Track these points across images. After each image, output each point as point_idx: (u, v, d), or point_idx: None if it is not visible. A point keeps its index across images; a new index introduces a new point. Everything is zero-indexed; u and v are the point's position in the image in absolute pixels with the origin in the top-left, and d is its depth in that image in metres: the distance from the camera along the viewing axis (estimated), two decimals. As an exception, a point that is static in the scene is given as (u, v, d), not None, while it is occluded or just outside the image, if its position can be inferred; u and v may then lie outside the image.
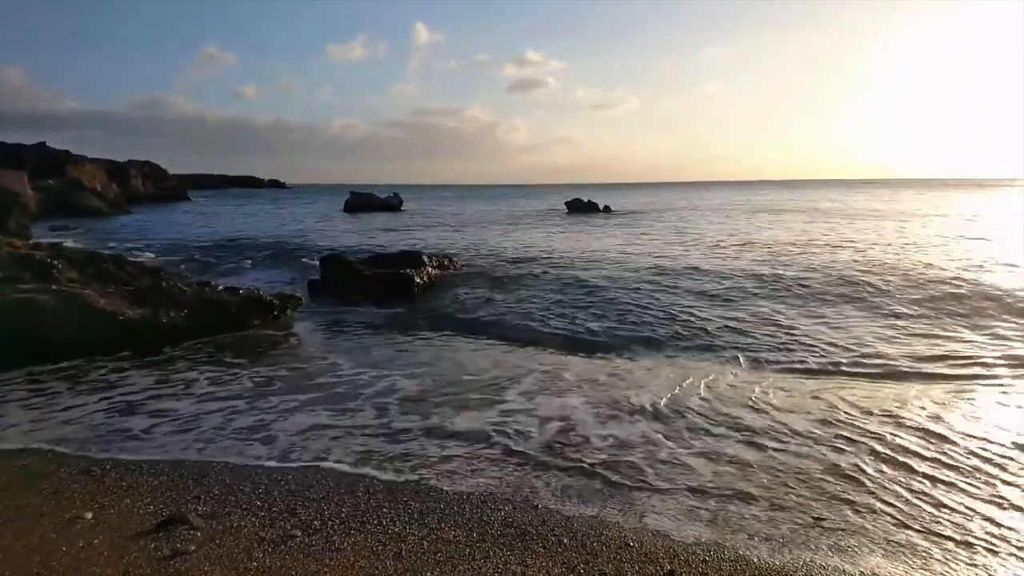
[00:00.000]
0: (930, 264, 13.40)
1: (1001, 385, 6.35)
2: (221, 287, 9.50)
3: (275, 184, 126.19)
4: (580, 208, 37.58)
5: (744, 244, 18.90)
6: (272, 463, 4.68)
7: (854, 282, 11.55)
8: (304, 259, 16.50)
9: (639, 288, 11.43)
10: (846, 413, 5.53)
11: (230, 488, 4.23)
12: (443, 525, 3.77)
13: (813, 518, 3.84)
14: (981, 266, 13.13)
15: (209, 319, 8.56)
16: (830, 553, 3.48)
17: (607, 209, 37.21)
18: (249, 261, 16.56)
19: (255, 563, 3.38)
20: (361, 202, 43.21)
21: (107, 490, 4.18)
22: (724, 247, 18.30)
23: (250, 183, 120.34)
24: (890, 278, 11.83)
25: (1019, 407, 5.71)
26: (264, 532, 3.70)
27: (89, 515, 3.83)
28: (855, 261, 14.23)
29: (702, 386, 6.32)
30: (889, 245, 17.77)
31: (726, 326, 8.70)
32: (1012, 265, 13.29)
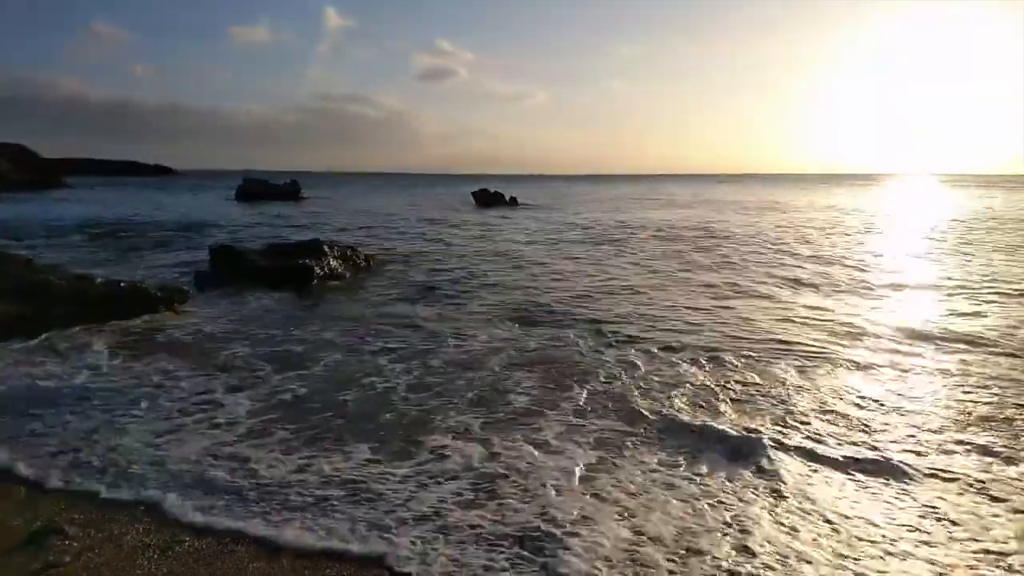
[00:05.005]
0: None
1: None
2: (100, 279, 8.85)
3: (161, 170, 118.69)
4: (487, 199, 37.64)
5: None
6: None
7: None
8: (192, 249, 15.60)
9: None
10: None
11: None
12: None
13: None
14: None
15: (87, 314, 7.94)
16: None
17: (513, 201, 37.53)
18: (131, 251, 15.44)
19: (139, 571, 3.21)
20: (255, 189, 40.95)
21: (-34, 503, 3.82)
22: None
23: (133, 169, 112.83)
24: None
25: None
26: (149, 538, 3.51)
27: (-57, 532, 3.49)
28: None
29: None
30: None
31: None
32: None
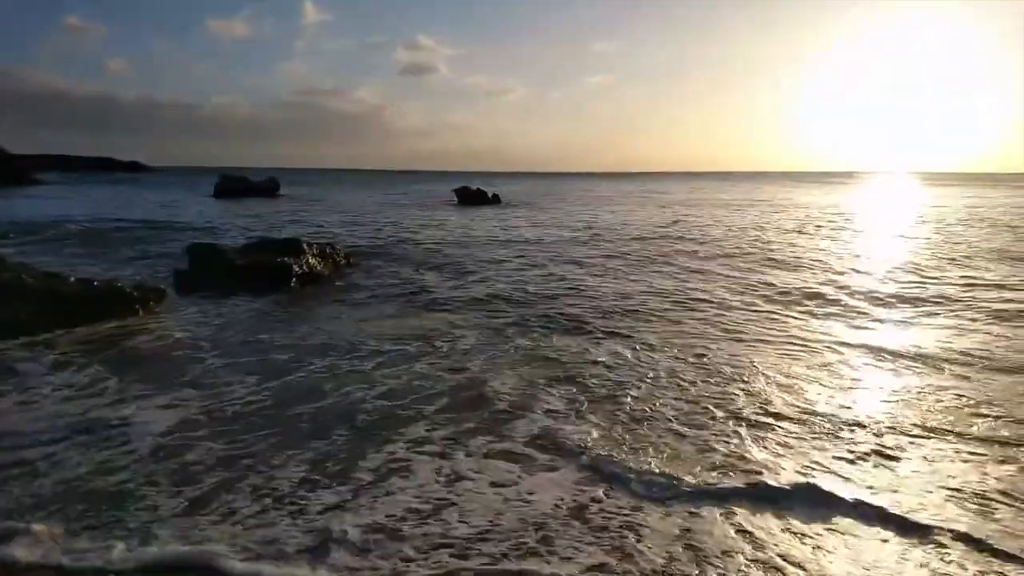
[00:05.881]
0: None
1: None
2: (73, 278, 8.66)
3: (135, 166, 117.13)
4: (469, 197, 37.54)
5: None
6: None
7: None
8: (169, 247, 15.37)
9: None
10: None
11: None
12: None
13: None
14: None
15: (59, 314, 7.77)
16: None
17: (496, 198, 37.52)
18: (106, 249, 15.18)
19: (113, 575, 3.15)
20: (232, 186, 40.42)
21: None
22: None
23: (107, 166, 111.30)
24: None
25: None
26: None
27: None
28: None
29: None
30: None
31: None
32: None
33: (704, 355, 6.91)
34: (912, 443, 4.69)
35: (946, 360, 6.64)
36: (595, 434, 4.86)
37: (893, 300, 9.85)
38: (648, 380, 6.08)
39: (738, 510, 3.80)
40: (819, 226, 22.69)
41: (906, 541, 3.49)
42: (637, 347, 7.22)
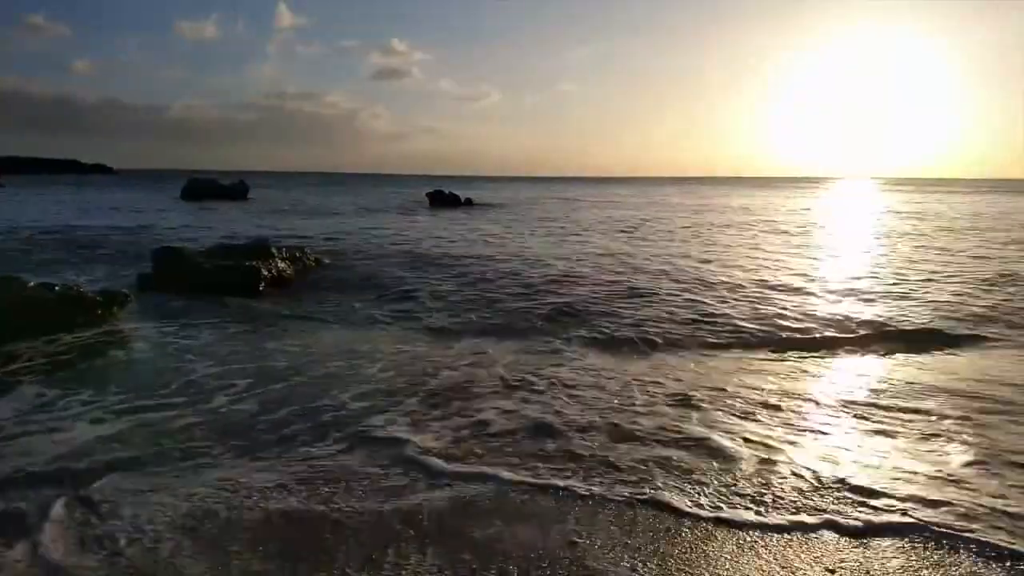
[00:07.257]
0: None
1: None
2: (33, 283, 8.42)
3: (100, 169, 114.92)
4: (441, 201, 37.59)
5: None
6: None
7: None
8: (133, 251, 15.06)
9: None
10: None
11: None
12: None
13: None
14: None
15: (18, 322, 7.56)
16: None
17: (468, 202, 37.73)
18: (68, 254, 14.83)
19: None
20: (201, 189, 39.99)
21: None
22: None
23: (71, 168, 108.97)
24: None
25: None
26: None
27: None
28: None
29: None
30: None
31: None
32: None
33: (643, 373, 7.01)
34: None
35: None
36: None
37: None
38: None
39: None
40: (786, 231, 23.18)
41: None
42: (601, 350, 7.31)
